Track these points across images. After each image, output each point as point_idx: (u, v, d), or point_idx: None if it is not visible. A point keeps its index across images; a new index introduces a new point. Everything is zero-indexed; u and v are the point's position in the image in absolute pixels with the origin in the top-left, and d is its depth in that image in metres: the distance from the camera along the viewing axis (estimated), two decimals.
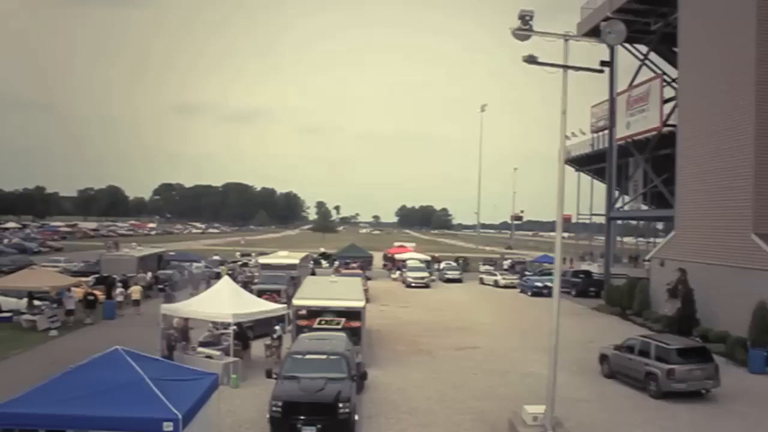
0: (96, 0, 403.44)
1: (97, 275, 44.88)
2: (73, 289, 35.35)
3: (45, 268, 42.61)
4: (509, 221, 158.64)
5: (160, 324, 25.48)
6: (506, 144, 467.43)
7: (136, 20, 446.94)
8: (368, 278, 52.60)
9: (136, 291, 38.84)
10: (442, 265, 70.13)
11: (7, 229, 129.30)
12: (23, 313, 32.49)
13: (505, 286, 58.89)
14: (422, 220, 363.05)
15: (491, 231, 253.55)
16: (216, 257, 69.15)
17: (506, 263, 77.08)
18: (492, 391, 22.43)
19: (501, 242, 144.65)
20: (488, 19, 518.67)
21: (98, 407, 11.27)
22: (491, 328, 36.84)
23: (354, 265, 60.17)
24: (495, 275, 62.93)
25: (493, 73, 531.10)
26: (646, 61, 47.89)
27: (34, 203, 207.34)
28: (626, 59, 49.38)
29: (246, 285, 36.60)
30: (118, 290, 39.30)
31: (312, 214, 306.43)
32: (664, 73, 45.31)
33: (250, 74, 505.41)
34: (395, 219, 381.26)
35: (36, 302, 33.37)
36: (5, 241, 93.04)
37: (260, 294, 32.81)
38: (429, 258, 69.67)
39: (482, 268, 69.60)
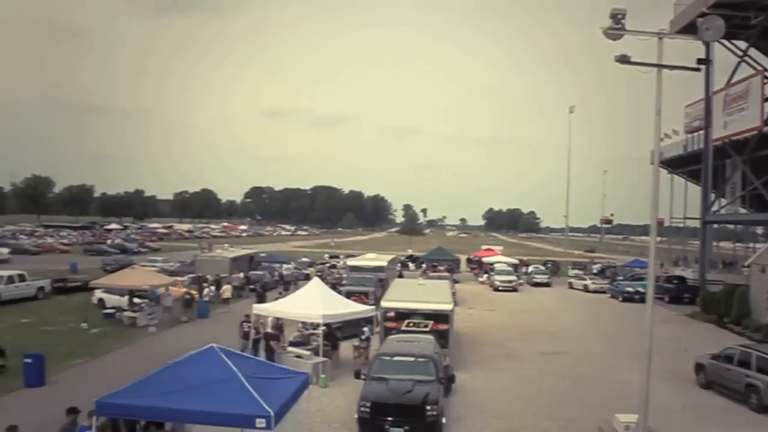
0: (197, 9, 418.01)
1: (192, 275, 46.43)
2: (170, 288, 36.73)
3: (144, 267, 44.40)
4: (599, 224, 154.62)
5: (247, 326, 26.04)
6: (596, 146, 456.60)
7: (233, 29, 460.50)
8: (455, 281, 52.39)
9: (227, 290, 40.07)
10: (531, 268, 69.10)
11: (110, 230, 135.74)
12: (125, 310, 34.05)
13: (595, 291, 57.50)
14: (509, 223, 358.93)
15: (579, 234, 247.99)
16: (305, 259, 70.43)
17: (596, 267, 75.28)
18: (581, 398, 21.93)
19: (589, 245, 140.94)
20: (578, 19, 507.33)
21: (194, 402, 11.65)
22: (580, 333, 36.06)
23: (441, 267, 60.10)
24: (584, 279, 61.50)
25: (582, 74, 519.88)
26: (746, 58, 45.74)
27: (134, 206, 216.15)
28: (723, 56, 47.30)
29: (334, 286, 37.11)
30: (206, 290, 40.65)
31: (399, 217, 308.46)
32: (766, 70, 43.18)
33: (338, 79, 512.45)
34: (482, 222, 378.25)
35: (136, 300, 34.87)
36: (108, 241, 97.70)
37: (348, 295, 33.17)
38: (516, 261, 68.82)
39: (571, 272, 68.21)
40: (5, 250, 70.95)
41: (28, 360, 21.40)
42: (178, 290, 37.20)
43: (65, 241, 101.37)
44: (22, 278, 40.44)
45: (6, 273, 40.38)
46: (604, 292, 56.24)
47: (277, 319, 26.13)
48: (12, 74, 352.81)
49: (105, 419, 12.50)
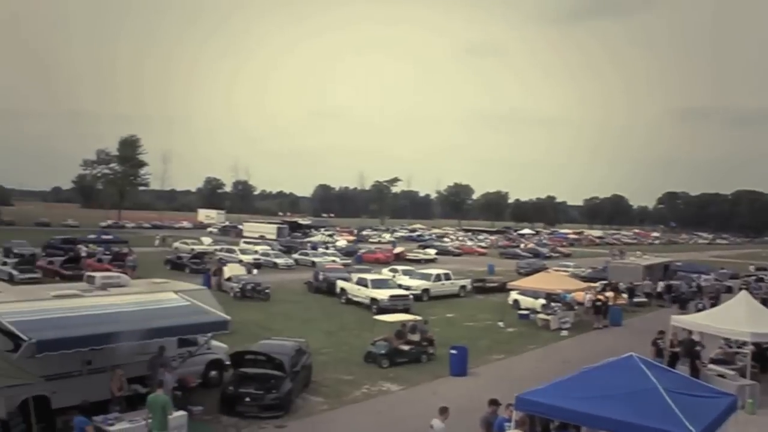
0: (604, 12, 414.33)
1: (604, 282, 45.94)
2: (578, 293, 36.87)
3: (557, 272, 45.26)
4: None
5: (661, 342, 24.69)
6: None
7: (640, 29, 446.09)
8: None
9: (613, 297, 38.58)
10: None
11: (523, 234, 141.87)
12: (538, 313, 35.11)
13: None
14: None
15: None
16: (723, 270, 64.60)
17: None
18: None
19: None
20: None
21: (611, 410, 11.41)
22: None
23: None
24: None
25: None
26: None
27: (546, 211, 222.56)
28: None
29: (765, 302, 33.24)
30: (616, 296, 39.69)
31: None
32: None
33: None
34: None
35: (551, 303, 35.70)
36: (521, 245, 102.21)
37: None
38: None
39: None
40: (432, 251, 78.85)
41: (454, 351, 23.44)
42: (581, 295, 37.02)
43: (482, 244, 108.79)
44: (447, 277, 44.51)
45: (434, 272, 45.01)
46: None
47: (689, 332, 24.35)
48: (436, 93, 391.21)
49: (523, 414, 12.98)
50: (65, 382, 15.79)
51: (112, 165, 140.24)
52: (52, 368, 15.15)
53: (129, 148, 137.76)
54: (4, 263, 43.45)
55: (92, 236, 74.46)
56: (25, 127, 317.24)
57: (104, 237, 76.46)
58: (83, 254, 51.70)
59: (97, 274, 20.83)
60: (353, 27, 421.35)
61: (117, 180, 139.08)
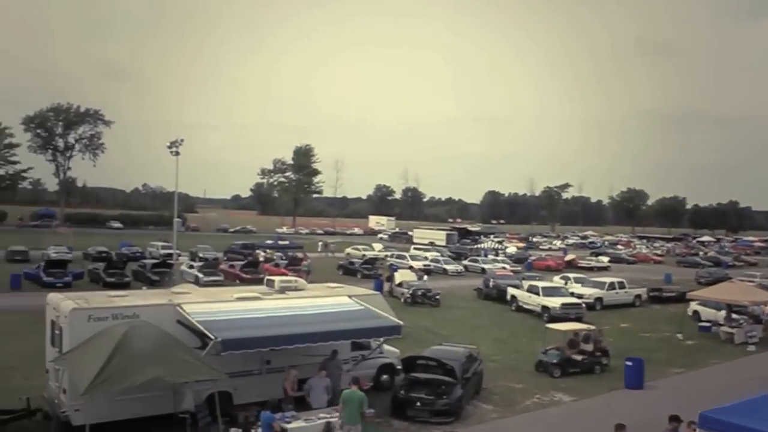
0: None
1: None
2: (763, 306, 34.35)
3: (742, 282, 42.38)
4: None
5: None
6: None
7: None
8: None
9: None
10: None
11: (703, 242, 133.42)
12: (721, 325, 33.04)
13: None
14: None
15: None
16: None
17: None
18: None
19: None
20: None
21: None
22: None
23: None
24: None
25: None
26: None
27: (728, 217, 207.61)
28: None
29: None
30: None
31: None
32: None
33: None
34: None
35: (734, 316, 33.51)
36: (701, 253, 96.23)
37: None
38: None
39: None
40: (605, 259, 76.27)
41: (629, 363, 22.71)
42: None
43: (658, 252, 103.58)
44: (621, 285, 42.99)
45: (608, 280, 43.62)
46: None
47: None
48: (605, 94, 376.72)
49: None
50: (245, 380, 17.06)
51: (287, 174, 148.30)
52: (235, 366, 16.40)
53: (303, 157, 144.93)
54: (191, 266, 47.19)
55: (269, 242, 79.21)
56: (208, 139, 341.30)
57: (281, 242, 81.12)
58: (261, 259, 55.14)
59: (276, 278, 22.10)
60: (513, 32, 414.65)
61: (292, 188, 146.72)
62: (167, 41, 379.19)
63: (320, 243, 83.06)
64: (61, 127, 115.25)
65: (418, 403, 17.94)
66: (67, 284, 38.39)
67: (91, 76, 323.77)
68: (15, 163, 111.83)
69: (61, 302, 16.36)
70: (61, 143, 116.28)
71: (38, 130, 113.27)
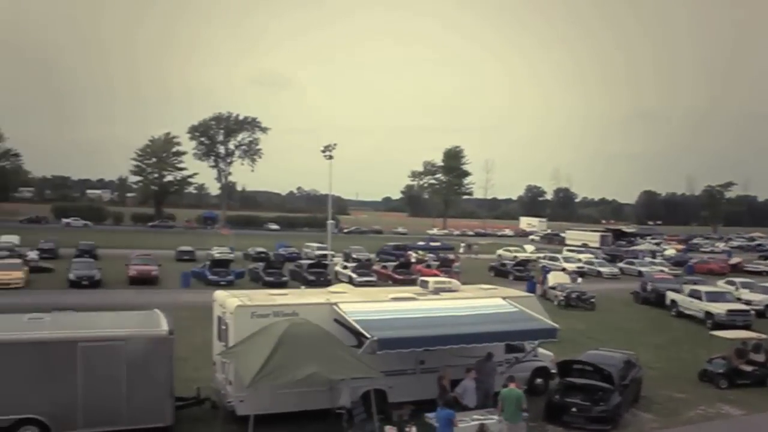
0: None
1: None
2: None
3: None
4: None
5: None
6: None
7: None
8: None
9: None
10: None
11: None
12: None
13: None
14: None
15: None
16: None
17: None
18: None
19: None
20: None
21: None
22: None
23: None
24: None
25: None
26: None
27: None
28: None
29: None
30: None
31: None
32: None
33: None
34: None
35: None
36: None
37: None
38: None
39: None
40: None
41: None
42: None
43: None
44: None
45: None
46: None
47: None
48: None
49: None
50: (400, 379, 17.27)
51: (437, 175, 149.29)
52: (390, 365, 16.58)
53: (453, 158, 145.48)
54: (345, 267, 48.53)
55: (421, 243, 79.91)
56: (360, 143, 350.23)
57: (432, 244, 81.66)
58: (413, 260, 55.73)
59: (430, 279, 22.25)
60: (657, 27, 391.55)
61: (442, 189, 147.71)
62: (317, 49, 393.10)
63: (463, 244, 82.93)
64: (222, 134, 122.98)
65: (574, 409, 17.43)
66: (229, 282, 40.51)
67: (248, 85, 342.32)
68: (182, 169, 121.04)
69: (227, 299, 17.31)
70: (222, 150, 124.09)
71: (202, 138, 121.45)
